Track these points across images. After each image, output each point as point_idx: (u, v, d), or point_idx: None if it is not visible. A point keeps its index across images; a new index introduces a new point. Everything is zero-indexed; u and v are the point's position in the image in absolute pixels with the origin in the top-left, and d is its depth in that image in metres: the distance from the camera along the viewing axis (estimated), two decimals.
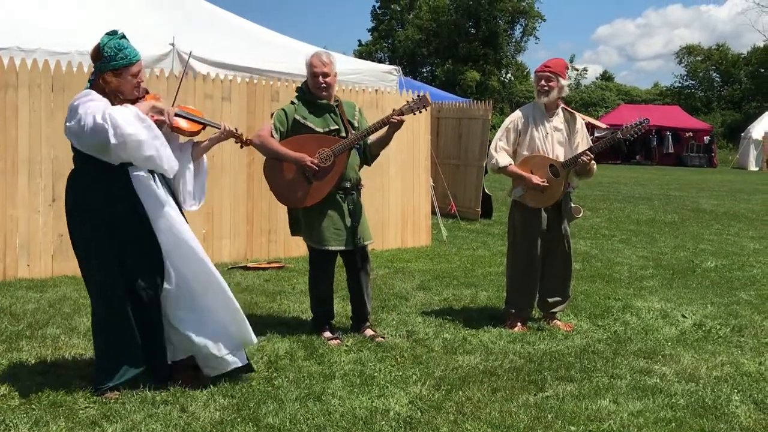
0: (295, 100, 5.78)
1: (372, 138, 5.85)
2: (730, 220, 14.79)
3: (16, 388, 4.46)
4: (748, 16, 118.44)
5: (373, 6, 61.78)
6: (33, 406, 4.21)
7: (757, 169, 39.21)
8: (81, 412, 4.17)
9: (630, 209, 16.30)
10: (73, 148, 4.40)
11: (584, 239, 11.50)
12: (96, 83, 4.40)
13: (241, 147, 5.17)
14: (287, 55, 10.55)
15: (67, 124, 4.29)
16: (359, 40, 61.71)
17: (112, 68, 4.35)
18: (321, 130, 5.67)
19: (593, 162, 6.14)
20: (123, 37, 4.43)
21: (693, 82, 62.18)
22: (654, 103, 55.34)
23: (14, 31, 8.42)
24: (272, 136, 5.60)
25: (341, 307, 6.43)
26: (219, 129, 4.76)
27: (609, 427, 4.21)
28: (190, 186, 4.65)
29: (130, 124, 4.17)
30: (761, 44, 57.21)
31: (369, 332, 5.89)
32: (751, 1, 68.14)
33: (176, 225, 4.43)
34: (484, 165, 12.54)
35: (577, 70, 71.05)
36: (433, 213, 11.17)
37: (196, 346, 4.53)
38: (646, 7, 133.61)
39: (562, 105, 6.31)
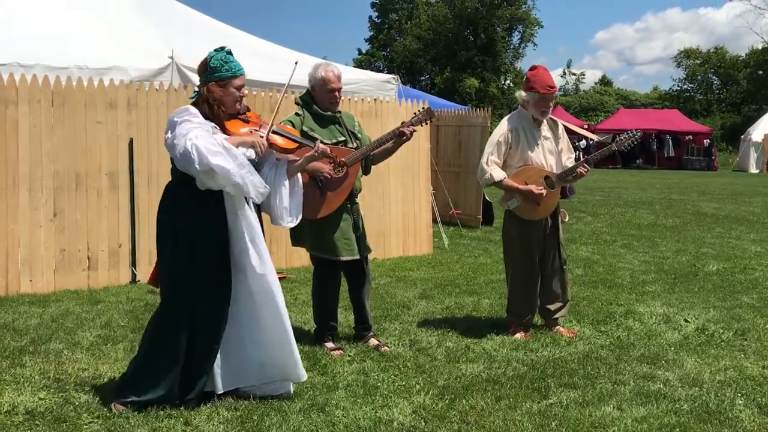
0: (301, 111, 5.78)
1: (377, 149, 5.86)
2: (732, 223, 14.78)
3: (19, 404, 4.47)
4: (746, 19, 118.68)
5: (371, 16, 61.86)
6: (37, 422, 4.21)
7: (757, 171, 39.22)
8: (85, 427, 4.17)
9: (631, 214, 16.30)
10: (171, 159, 4.46)
11: (586, 245, 11.50)
12: (200, 95, 4.52)
13: (334, 168, 5.33)
14: (287, 67, 10.55)
15: (166, 136, 4.38)
16: (359, 49, 61.75)
17: (217, 79, 4.47)
18: (329, 142, 5.68)
19: (587, 168, 6.20)
20: (230, 52, 4.56)
21: (692, 86, 62.25)
22: (653, 107, 55.42)
23: (13, 46, 8.45)
24: None
25: (343, 318, 6.43)
26: (313, 148, 4.83)
27: None
28: (285, 202, 4.70)
29: (214, 154, 4.20)
30: (759, 46, 57.28)
31: (373, 341, 5.90)
32: (748, 3, 68.20)
33: (260, 256, 4.49)
34: None
35: (574, 75, 71.20)
36: (434, 221, 11.18)
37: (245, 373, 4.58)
38: (645, 11, 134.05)
39: None
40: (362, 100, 9.93)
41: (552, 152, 6.24)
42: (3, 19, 9.10)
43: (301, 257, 7.16)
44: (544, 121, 6.24)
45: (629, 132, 6.28)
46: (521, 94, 6.23)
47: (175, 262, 4.45)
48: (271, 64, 10.68)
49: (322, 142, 5.63)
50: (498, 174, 6.12)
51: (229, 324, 4.50)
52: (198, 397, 4.45)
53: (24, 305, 7.05)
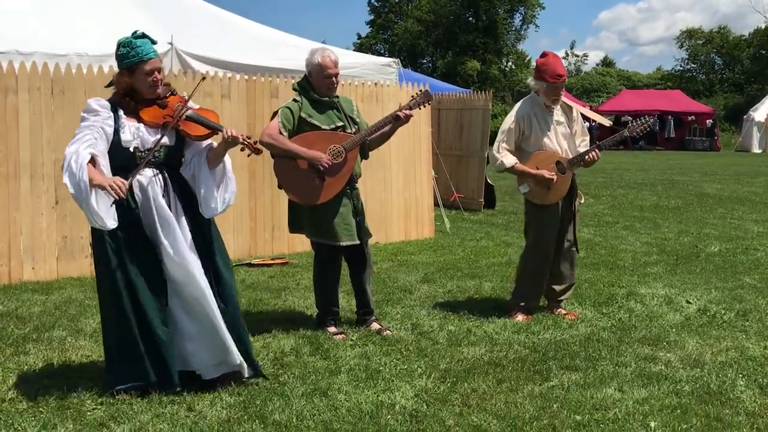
0: (298, 98, 5.76)
1: (375, 133, 5.85)
2: (734, 204, 14.77)
3: (23, 391, 4.49)
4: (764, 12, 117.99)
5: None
6: (41, 409, 4.23)
7: (760, 151, 39.15)
8: (89, 413, 4.19)
9: (633, 195, 16.29)
10: None
11: (588, 227, 11.49)
12: (115, 84, 4.48)
13: (249, 155, 4.84)
14: (286, 52, 10.55)
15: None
16: (358, 33, 61.60)
17: (126, 66, 4.42)
18: (327, 127, 5.68)
19: (599, 153, 6.21)
20: (141, 36, 4.46)
21: (694, 66, 62.01)
22: (656, 88, 55.24)
23: (12, 34, 8.43)
24: (280, 134, 5.59)
25: (345, 302, 6.45)
26: (222, 132, 4.60)
27: (614, 415, 4.22)
28: (205, 192, 4.55)
29: (68, 174, 4.15)
30: (763, 25, 57.00)
31: (375, 326, 5.91)
32: None
33: (176, 243, 4.41)
34: (486, 155, 12.53)
35: (577, 56, 70.97)
36: (436, 205, 11.18)
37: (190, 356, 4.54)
38: None
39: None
40: (363, 84, 9.90)
41: (565, 136, 6.24)
42: (2, 6, 9.08)
43: (303, 243, 7.16)
44: (558, 105, 6.24)
45: (643, 118, 6.32)
46: (531, 81, 6.27)
47: (101, 247, 4.40)
48: (271, 50, 10.68)
49: (319, 129, 5.65)
50: (509, 160, 6.15)
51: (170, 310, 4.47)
52: (176, 378, 4.43)
53: (27, 293, 7.07)
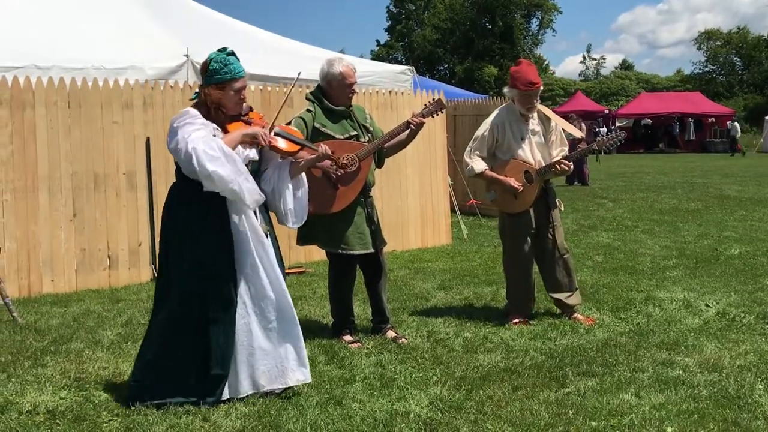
0: (312, 108, 5.77)
1: (390, 142, 5.85)
2: (755, 206, 14.64)
3: (40, 403, 4.52)
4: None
5: (388, 6, 61.75)
6: (57, 422, 4.26)
7: None
8: (105, 425, 4.21)
9: (653, 198, 16.18)
10: (175, 162, 4.47)
11: (606, 231, 11.44)
12: (200, 97, 4.52)
13: (336, 170, 5.31)
14: (300, 62, 10.57)
15: (168, 141, 4.40)
16: (377, 40, 61.77)
17: (216, 82, 4.45)
18: (340, 137, 5.68)
19: (569, 164, 6.25)
20: (232, 54, 4.52)
21: (714, 67, 61.60)
22: (675, 90, 54.93)
23: (30, 49, 8.53)
24: None
25: (361, 310, 6.45)
26: (317, 152, 4.78)
27: (630, 421, 4.19)
28: (290, 204, 4.68)
29: (211, 159, 4.19)
30: None
31: (391, 333, 5.90)
32: None
33: (263, 260, 4.50)
34: None
35: (594, 59, 70.72)
36: (453, 211, 11.16)
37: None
38: None
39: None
40: (377, 92, 9.92)
41: (540, 146, 6.26)
42: (19, 21, 9.18)
43: (320, 252, 7.15)
44: (534, 114, 6.23)
45: (613, 132, 6.34)
46: (506, 89, 6.28)
47: (181, 262, 4.45)
48: (287, 60, 10.71)
49: (333, 138, 5.66)
50: (478, 166, 6.24)
51: (239, 328, 4.49)
52: (217, 400, 4.46)
53: (46, 305, 7.13)
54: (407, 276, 8.35)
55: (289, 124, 5.76)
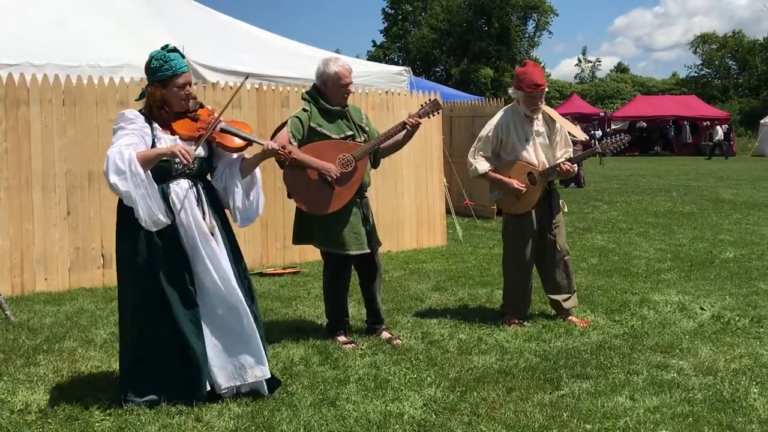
0: (308, 107, 5.75)
1: (386, 142, 5.84)
2: (750, 209, 14.66)
3: (32, 402, 4.50)
4: (764, 2, 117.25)
5: (383, 8, 61.75)
6: (49, 420, 4.23)
7: None
8: (97, 424, 4.19)
9: (648, 201, 16.20)
10: None
11: (601, 233, 11.44)
12: (145, 96, 4.49)
13: (282, 167, 5.22)
14: (296, 61, 10.57)
15: None
16: (373, 41, 61.76)
17: (158, 79, 4.42)
18: (336, 137, 5.67)
19: (574, 166, 6.23)
20: (173, 50, 4.49)
21: (709, 71, 61.72)
22: (671, 93, 55.02)
23: (25, 46, 8.49)
24: (290, 143, 5.57)
25: (355, 311, 6.43)
26: (262, 146, 4.68)
27: (625, 424, 4.18)
28: (239, 202, 4.63)
29: (116, 171, 4.14)
30: None
31: (386, 334, 5.89)
32: None
33: (214, 254, 4.44)
34: None
35: (590, 62, 70.83)
36: (448, 212, 11.15)
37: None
38: None
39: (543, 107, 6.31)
40: (373, 92, 9.90)
41: (544, 147, 6.25)
42: (14, 19, 9.15)
43: (315, 251, 7.13)
44: (539, 116, 6.23)
45: (618, 136, 6.32)
46: (511, 90, 6.26)
47: (126, 266, 4.42)
48: (283, 59, 10.70)
49: (329, 138, 5.65)
50: (482, 166, 6.23)
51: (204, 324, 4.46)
52: (204, 394, 4.43)
53: (39, 304, 7.10)
54: (402, 277, 8.33)
55: (285, 123, 5.76)
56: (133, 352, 4.47)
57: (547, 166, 6.19)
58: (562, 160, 6.21)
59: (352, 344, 5.69)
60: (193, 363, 4.40)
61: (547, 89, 6.24)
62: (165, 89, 4.42)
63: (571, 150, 6.40)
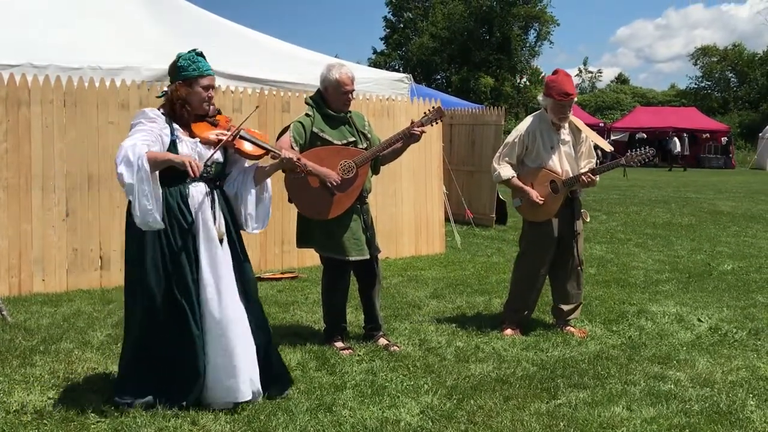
0: (311, 112, 5.75)
1: (387, 149, 5.83)
2: (748, 222, 14.67)
3: (28, 403, 4.49)
4: (765, 16, 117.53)
5: (386, 15, 61.82)
6: (45, 422, 4.22)
7: None
8: (92, 426, 4.18)
9: (647, 212, 16.21)
10: None
11: (600, 244, 11.44)
12: (168, 95, 4.52)
13: (285, 172, 5.29)
14: (297, 66, 10.58)
15: None
16: (373, 47, 61.79)
17: (183, 78, 4.47)
18: (339, 143, 5.66)
19: (596, 177, 6.21)
20: (200, 54, 4.56)
21: (709, 83, 61.82)
22: (670, 105, 55.09)
23: (26, 47, 8.49)
24: (292, 148, 5.56)
25: (353, 317, 6.43)
26: (279, 156, 4.73)
27: None
28: (251, 209, 4.66)
29: (125, 162, 4.15)
30: None
31: (383, 341, 5.88)
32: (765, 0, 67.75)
33: (215, 261, 4.45)
34: None
35: (591, 72, 70.94)
36: (447, 220, 11.15)
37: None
38: (667, 6, 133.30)
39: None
40: (374, 99, 9.91)
41: (569, 156, 6.24)
42: (16, 20, 9.15)
43: (313, 257, 7.14)
44: (566, 125, 6.23)
45: (643, 149, 6.29)
46: (540, 97, 6.30)
47: (136, 266, 4.41)
48: (285, 64, 10.70)
49: (331, 144, 5.65)
50: (506, 172, 6.23)
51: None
52: (195, 399, 4.42)
53: (36, 305, 7.09)
54: (400, 284, 8.33)
55: (287, 128, 5.76)
56: (135, 351, 4.46)
57: (570, 175, 6.19)
58: (586, 170, 6.20)
59: (350, 350, 5.69)
60: (193, 366, 4.38)
61: (576, 99, 6.24)
62: (190, 88, 4.47)
63: (594, 161, 6.39)
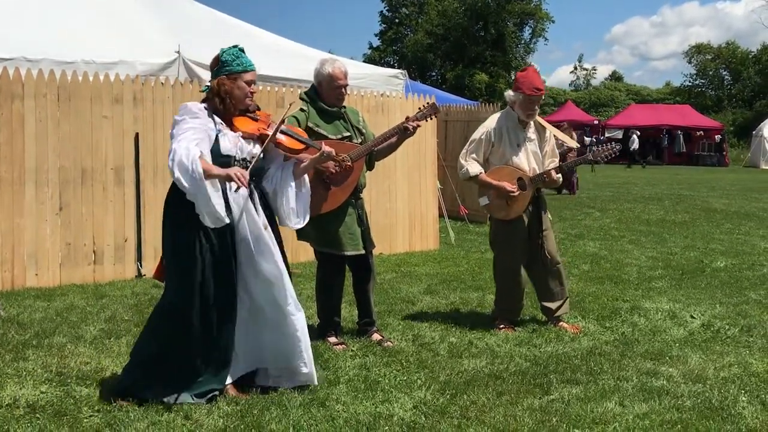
0: (305, 107, 5.76)
1: (381, 144, 5.83)
2: (741, 219, 14.70)
3: (21, 397, 4.48)
4: (759, 15, 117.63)
5: (381, 11, 61.78)
6: (37, 416, 4.22)
7: None
8: (85, 420, 4.17)
9: (640, 209, 16.24)
10: None
11: (593, 240, 11.46)
12: (211, 89, 4.54)
13: (340, 170, 5.41)
14: (292, 61, 10.57)
15: (171, 132, 4.44)
16: (369, 42, 61.73)
17: (227, 73, 4.50)
18: (334, 137, 5.66)
19: (558, 175, 6.27)
20: (242, 50, 4.60)
21: (703, 81, 61.93)
22: (665, 103, 55.20)
23: (20, 41, 8.48)
24: None
25: (347, 312, 6.42)
26: (319, 151, 4.79)
27: (614, 429, 4.18)
28: (292, 203, 4.71)
29: (181, 168, 4.18)
30: None
31: (376, 336, 5.89)
32: None
33: (272, 255, 4.51)
34: None
35: (585, 70, 71.01)
36: (441, 216, 11.15)
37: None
38: (662, 4, 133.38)
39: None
40: (369, 94, 9.90)
41: (535, 154, 6.27)
42: (10, 13, 9.12)
43: (307, 252, 7.15)
44: (531, 123, 6.24)
45: (609, 144, 6.33)
46: (509, 93, 6.27)
47: (177, 256, 4.44)
48: (280, 59, 10.69)
49: (326, 138, 5.65)
50: (473, 168, 6.23)
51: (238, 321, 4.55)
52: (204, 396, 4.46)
53: (29, 299, 7.07)
54: (394, 279, 8.33)
55: (282, 122, 5.75)
56: (160, 347, 4.48)
57: (536, 173, 6.20)
58: (549, 168, 6.22)
59: (343, 345, 5.69)
60: (217, 363, 4.48)
61: (543, 96, 6.26)
62: (233, 83, 4.50)
63: (557, 161, 6.44)
